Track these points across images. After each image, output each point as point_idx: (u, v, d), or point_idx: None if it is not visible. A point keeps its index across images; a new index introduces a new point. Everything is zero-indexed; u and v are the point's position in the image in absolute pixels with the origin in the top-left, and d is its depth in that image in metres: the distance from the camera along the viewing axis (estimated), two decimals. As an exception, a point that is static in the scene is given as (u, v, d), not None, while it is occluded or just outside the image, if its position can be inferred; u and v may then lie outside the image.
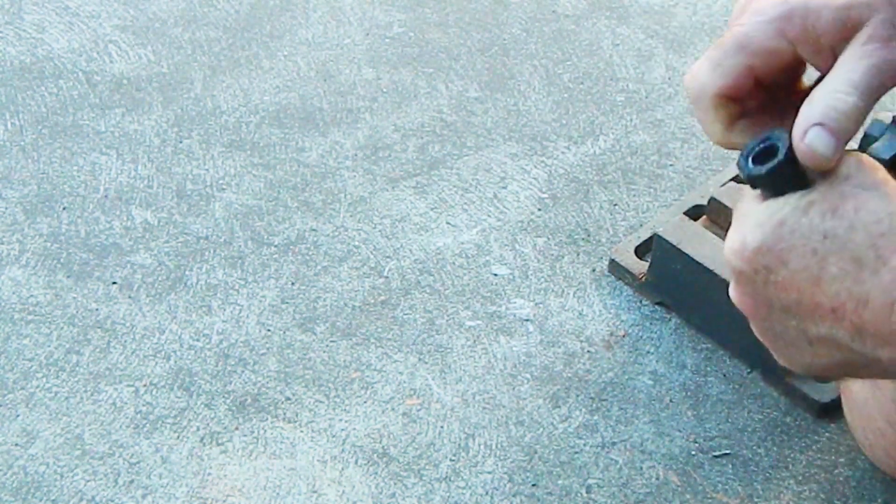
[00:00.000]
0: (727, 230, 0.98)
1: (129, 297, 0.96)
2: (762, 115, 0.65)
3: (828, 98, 0.60)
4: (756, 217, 0.62)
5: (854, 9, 0.61)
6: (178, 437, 0.88)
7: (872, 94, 0.61)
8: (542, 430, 0.90)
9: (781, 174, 0.61)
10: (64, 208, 1.03)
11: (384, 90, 1.16)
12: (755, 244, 0.62)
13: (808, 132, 0.60)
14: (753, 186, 0.63)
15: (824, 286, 0.60)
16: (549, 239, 1.03)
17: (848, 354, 0.62)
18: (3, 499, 0.83)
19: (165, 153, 1.08)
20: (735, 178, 1.05)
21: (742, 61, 0.64)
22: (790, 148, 0.61)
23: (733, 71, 0.64)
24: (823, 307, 0.61)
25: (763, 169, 0.61)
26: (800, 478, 0.89)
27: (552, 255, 1.02)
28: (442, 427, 0.90)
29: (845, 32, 0.61)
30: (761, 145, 0.62)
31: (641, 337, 0.97)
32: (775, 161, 0.61)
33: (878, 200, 0.60)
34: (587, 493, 0.87)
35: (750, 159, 0.62)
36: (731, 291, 0.67)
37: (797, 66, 0.64)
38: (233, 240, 1.01)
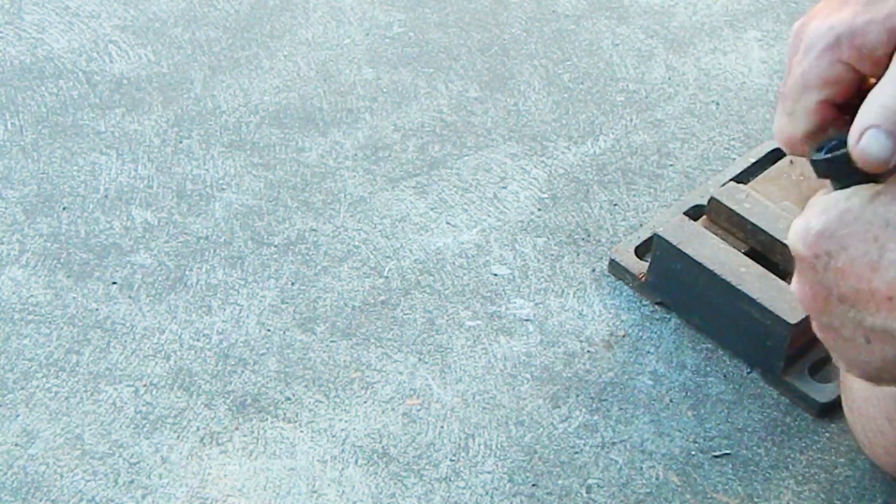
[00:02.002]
0: (727, 230, 0.98)
1: (129, 297, 0.96)
2: None
3: (881, 99, 0.61)
4: (822, 205, 0.63)
5: None
6: (178, 437, 0.88)
7: None
8: (542, 430, 0.90)
9: (842, 165, 0.62)
10: (64, 208, 1.03)
11: (384, 90, 1.16)
12: (818, 228, 0.62)
13: (864, 135, 0.61)
14: (819, 176, 0.64)
15: (882, 272, 0.60)
16: (549, 239, 1.03)
17: None
18: (3, 499, 0.83)
19: (165, 153, 1.09)
20: (735, 178, 1.05)
21: (811, 100, 0.65)
22: None
23: (807, 112, 0.65)
24: (880, 294, 0.61)
25: (822, 157, 0.62)
26: (800, 478, 0.89)
27: (552, 255, 1.02)
28: (442, 427, 0.90)
29: None
30: (834, 142, 0.63)
31: (641, 337, 0.97)
32: (838, 153, 0.61)
33: None
34: (587, 493, 0.87)
35: (821, 151, 0.63)
36: (793, 283, 0.68)
37: (867, 79, 0.65)
38: (233, 240, 1.01)
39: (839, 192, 0.62)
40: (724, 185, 1.02)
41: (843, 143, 0.62)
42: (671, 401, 0.93)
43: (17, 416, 0.88)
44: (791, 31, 0.66)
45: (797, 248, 0.64)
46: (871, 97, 0.61)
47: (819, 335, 0.68)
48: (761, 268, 0.94)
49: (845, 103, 0.65)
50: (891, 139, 0.60)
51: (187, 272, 0.99)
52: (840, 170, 0.62)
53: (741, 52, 1.22)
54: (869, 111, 0.61)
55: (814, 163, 0.64)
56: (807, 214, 0.64)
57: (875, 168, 0.61)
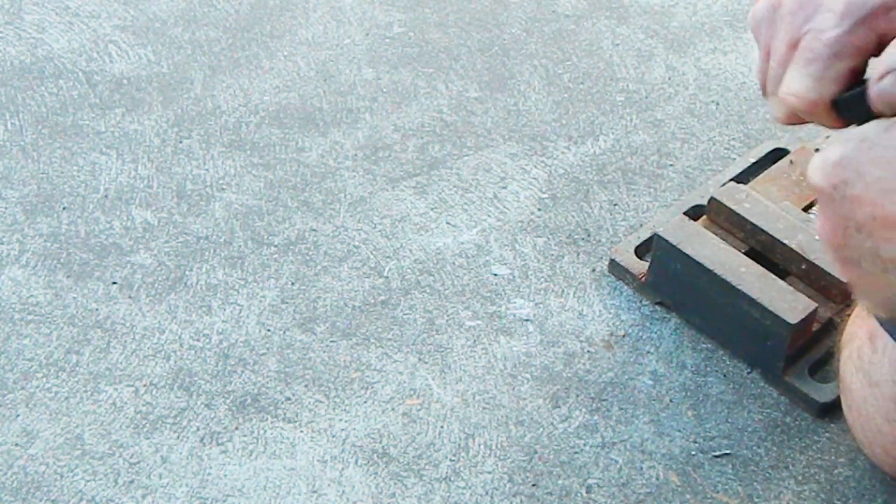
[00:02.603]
0: (727, 230, 0.98)
1: (129, 297, 0.96)
2: None
3: None
4: (839, 137, 0.63)
5: None
6: (178, 437, 0.88)
7: None
8: (542, 430, 0.90)
9: (863, 105, 0.62)
10: (64, 208, 1.03)
11: (384, 90, 1.16)
12: (836, 157, 0.63)
13: (885, 77, 0.61)
14: (840, 114, 0.64)
15: None
16: (549, 239, 1.03)
17: None
18: (3, 499, 0.83)
19: (165, 153, 1.09)
20: (735, 178, 1.05)
21: (843, 67, 0.65)
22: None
23: (837, 79, 0.66)
24: (894, 219, 0.61)
25: (846, 94, 0.63)
26: (800, 478, 0.89)
27: (552, 255, 1.02)
28: (442, 427, 0.90)
29: None
30: (858, 87, 0.64)
31: (641, 337, 0.97)
32: (858, 89, 0.62)
33: None
34: (587, 493, 0.87)
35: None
36: (816, 222, 0.68)
37: None
38: (233, 240, 1.01)
39: (856, 127, 0.63)
40: (724, 185, 1.02)
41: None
42: (671, 401, 0.93)
43: (17, 416, 0.88)
44: None
45: (816, 180, 0.64)
46: (894, 46, 0.62)
47: (841, 273, 0.67)
48: (761, 268, 0.94)
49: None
50: None
51: (187, 272, 0.99)
52: (860, 111, 0.63)
53: (741, 52, 1.22)
54: (890, 56, 0.61)
55: (837, 103, 0.64)
56: (826, 148, 0.64)
57: (893, 108, 0.61)
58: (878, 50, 0.64)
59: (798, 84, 0.66)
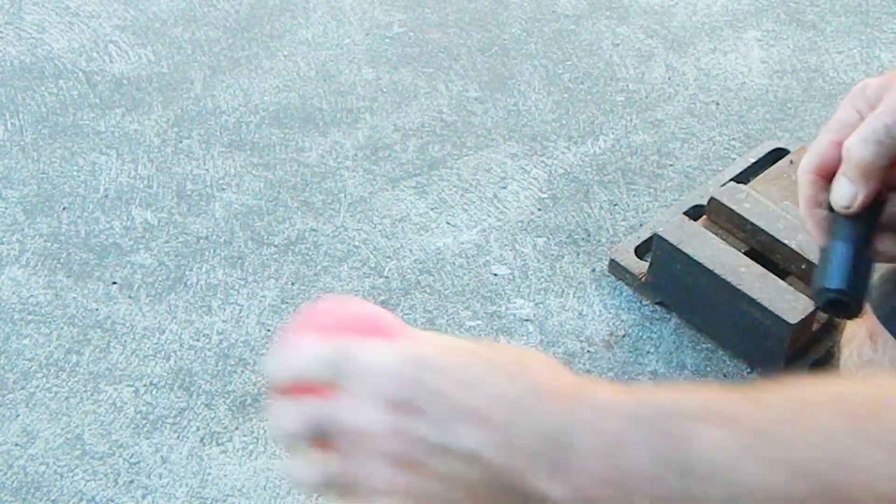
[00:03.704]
0: (727, 230, 0.98)
1: (129, 297, 0.96)
2: None
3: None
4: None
5: None
6: (178, 437, 0.88)
7: None
8: (542, 430, 0.90)
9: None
10: (64, 208, 1.03)
11: (384, 90, 1.16)
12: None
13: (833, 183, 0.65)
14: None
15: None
16: (549, 239, 1.03)
17: None
18: (3, 499, 0.83)
19: (165, 153, 1.09)
20: (735, 178, 1.05)
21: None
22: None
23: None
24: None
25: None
26: (800, 478, 0.89)
27: (552, 255, 1.02)
28: (442, 427, 0.90)
29: None
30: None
31: (641, 337, 0.97)
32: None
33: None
34: (587, 493, 0.87)
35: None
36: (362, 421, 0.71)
37: None
38: (233, 240, 1.01)
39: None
40: (724, 185, 1.02)
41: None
42: (671, 401, 0.93)
43: (17, 416, 0.88)
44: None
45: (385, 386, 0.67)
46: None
47: (396, 481, 0.69)
48: (761, 268, 0.94)
49: None
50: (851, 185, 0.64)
51: (187, 272, 0.99)
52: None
53: (741, 52, 1.22)
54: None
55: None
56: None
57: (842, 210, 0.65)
58: None
59: (865, 152, 0.69)
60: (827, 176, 0.69)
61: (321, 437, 0.69)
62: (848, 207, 0.66)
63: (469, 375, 0.64)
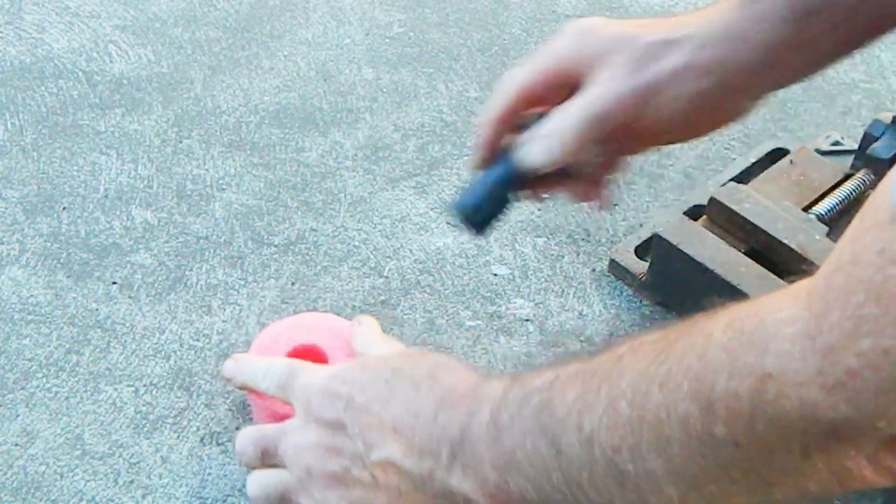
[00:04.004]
0: (727, 230, 0.98)
1: (129, 297, 0.96)
2: None
3: None
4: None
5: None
6: (178, 437, 0.88)
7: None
8: (542, 430, 0.90)
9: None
10: (64, 208, 1.03)
11: (384, 90, 1.16)
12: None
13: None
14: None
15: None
16: (549, 239, 1.03)
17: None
18: (3, 499, 0.83)
19: (165, 153, 1.09)
20: (735, 178, 1.05)
21: None
22: None
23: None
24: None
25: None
26: (800, 478, 0.89)
27: (552, 255, 1.02)
28: (442, 427, 0.90)
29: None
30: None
31: (641, 337, 0.96)
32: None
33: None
34: (587, 493, 0.87)
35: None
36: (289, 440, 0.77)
37: None
38: (233, 240, 1.01)
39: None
40: (724, 185, 1.02)
41: None
42: (671, 401, 0.92)
43: (17, 416, 0.88)
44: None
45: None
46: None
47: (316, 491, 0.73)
48: (761, 268, 0.94)
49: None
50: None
51: (187, 272, 0.99)
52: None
53: (741, 52, 1.22)
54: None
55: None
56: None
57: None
58: None
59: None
60: (526, 103, 0.74)
61: (270, 457, 0.74)
62: (536, 171, 0.73)
63: (381, 391, 0.69)
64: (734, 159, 1.10)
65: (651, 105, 0.71)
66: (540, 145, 0.72)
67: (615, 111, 0.71)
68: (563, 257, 1.02)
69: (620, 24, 0.74)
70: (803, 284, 0.52)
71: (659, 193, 1.08)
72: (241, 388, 0.82)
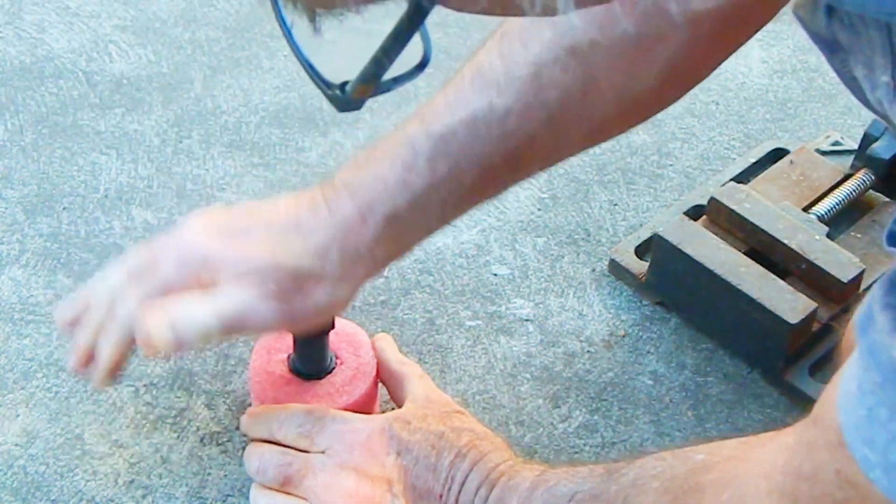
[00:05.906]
0: (727, 230, 0.98)
1: (129, 297, 0.96)
2: None
3: None
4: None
5: None
6: (178, 437, 0.88)
7: None
8: (542, 430, 0.90)
9: None
10: (64, 208, 1.03)
11: (384, 90, 1.16)
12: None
13: None
14: None
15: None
16: (549, 239, 1.03)
17: None
18: (3, 499, 0.83)
19: (165, 153, 1.08)
20: (735, 178, 1.05)
21: None
22: None
23: None
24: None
25: None
26: (800, 478, 0.89)
27: (552, 255, 1.02)
28: (442, 427, 0.90)
29: None
30: None
31: (641, 337, 0.97)
32: None
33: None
34: (587, 493, 0.87)
35: None
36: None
37: None
38: (233, 240, 1.01)
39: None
40: (724, 185, 1.02)
41: None
42: (671, 401, 0.93)
43: (17, 416, 0.88)
44: None
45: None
46: None
47: None
48: (761, 268, 0.94)
49: None
50: None
51: (187, 272, 0.98)
52: None
53: (741, 52, 1.21)
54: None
55: None
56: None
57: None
58: None
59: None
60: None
61: (292, 487, 0.77)
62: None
63: (429, 456, 0.78)
64: (734, 159, 1.10)
65: None
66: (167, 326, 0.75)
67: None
68: (563, 257, 1.02)
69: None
70: (776, 480, 0.57)
71: (659, 193, 1.08)
72: (257, 439, 0.82)
